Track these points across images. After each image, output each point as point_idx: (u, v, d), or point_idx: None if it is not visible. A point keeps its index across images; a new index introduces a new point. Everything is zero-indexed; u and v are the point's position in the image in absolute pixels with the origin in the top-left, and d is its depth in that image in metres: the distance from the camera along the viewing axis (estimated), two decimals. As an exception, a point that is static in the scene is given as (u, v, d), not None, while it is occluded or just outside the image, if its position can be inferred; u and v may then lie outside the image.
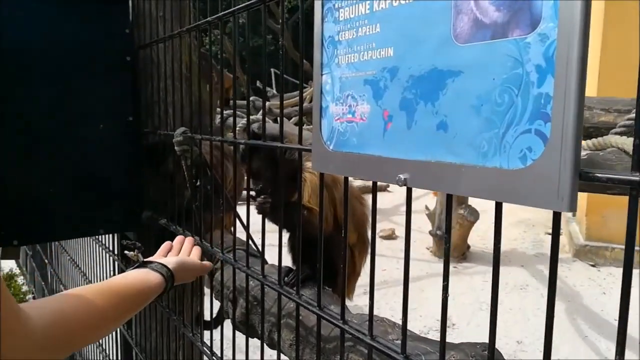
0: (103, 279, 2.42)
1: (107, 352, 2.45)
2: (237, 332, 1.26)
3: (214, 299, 1.56)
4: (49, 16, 1.62)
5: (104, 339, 2.48)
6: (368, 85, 0.72)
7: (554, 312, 0.54)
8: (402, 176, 0.66)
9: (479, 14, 0.56)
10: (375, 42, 0.70)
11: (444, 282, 0.66)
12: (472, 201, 5.94)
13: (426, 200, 7.50)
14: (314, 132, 0.85)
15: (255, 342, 1.24)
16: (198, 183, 1.45)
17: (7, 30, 1.57)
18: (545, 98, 0.50)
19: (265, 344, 1.18)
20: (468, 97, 0.57)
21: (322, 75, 0.82)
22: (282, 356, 1.11)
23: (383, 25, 0.69)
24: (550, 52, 0.49)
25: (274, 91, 11.21)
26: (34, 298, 5.21)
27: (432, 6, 0.61)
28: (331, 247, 1.13)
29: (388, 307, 4.61)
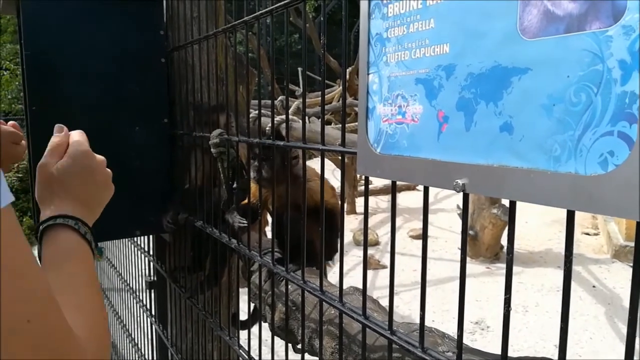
0: (137, 279, 2.44)
1: (143, 352, 2.47)
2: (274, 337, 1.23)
3: (250, 302, 1.54)
4: (83, 19, 1.63)
5: (139, 339, 2.51)
6: (420, 85, 0.68)
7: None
8: (460, 181, 0.62)
9: (551, 6, 0.51)
10: (428, 39, 0.66)
11: (505, 294, 0.61)
12: (506, 200, 5.80)
13: (457, 199, 7.36)
14: (360, 134, 0.81)
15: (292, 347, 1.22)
16: (235, 185, 1.43)
17: (44, 33, 1.58)
18: (631, 97, 0.45)
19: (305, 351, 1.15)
20: (537, 97, 0.53)
21: (368, 74, 0.79)
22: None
23: (438, 20, 0.65)
24: (636, 46, 0.45)
25: (301, 90, 11.20)
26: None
27: (494, -1, 0.57)
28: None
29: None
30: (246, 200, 1.35)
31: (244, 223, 1.34)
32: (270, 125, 1.28)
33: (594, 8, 0.48)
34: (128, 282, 2.72)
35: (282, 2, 1.04)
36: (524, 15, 0.54)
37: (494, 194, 0.59)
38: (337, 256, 1.37)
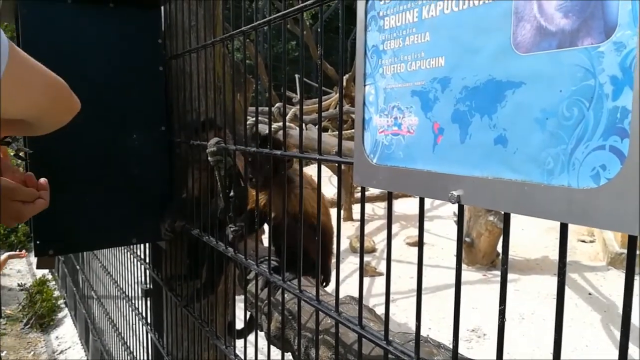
0: (134, 286, 2.43)
1: None
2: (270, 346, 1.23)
3: (246, 310, 1.54)
4: (82, 27, 1.64)
5: (135, 347, 2.50)
6: (416, 97, 0.69)
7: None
8: (455, 193, 0.62)
9: (544, 21, 0.52)
10: (424, 52, 0.67)
11: (500, 305, 0.62)
12: (502, 207, 5.81)
13: (454, 206, 7.36)
14: (356, 145, 0.82)
15: (288, 356, 1.21)
16: (231, 193, 1.44)
17: (42, 40, 1.58)
18: (622, 112, 0.46)
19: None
20: (530, 110, 0.54)
21: (365, 85, 0.79)
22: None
23: (433, 34, 0.66)
24: (627, 62, 0.45)
25: (298, 97, 11.22)
26: (65, 304, 5.31)
27: (489, 13, 0.58)
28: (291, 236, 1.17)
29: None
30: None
31: (234, 229, 1.34)
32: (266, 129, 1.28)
33: (585, 24, 0.49)
34: (124, 289, 2.71)
35: (280, 13, 1.05)
36: (517, 31, 0.55)
37: (489, 205, 0.60)
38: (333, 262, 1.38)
